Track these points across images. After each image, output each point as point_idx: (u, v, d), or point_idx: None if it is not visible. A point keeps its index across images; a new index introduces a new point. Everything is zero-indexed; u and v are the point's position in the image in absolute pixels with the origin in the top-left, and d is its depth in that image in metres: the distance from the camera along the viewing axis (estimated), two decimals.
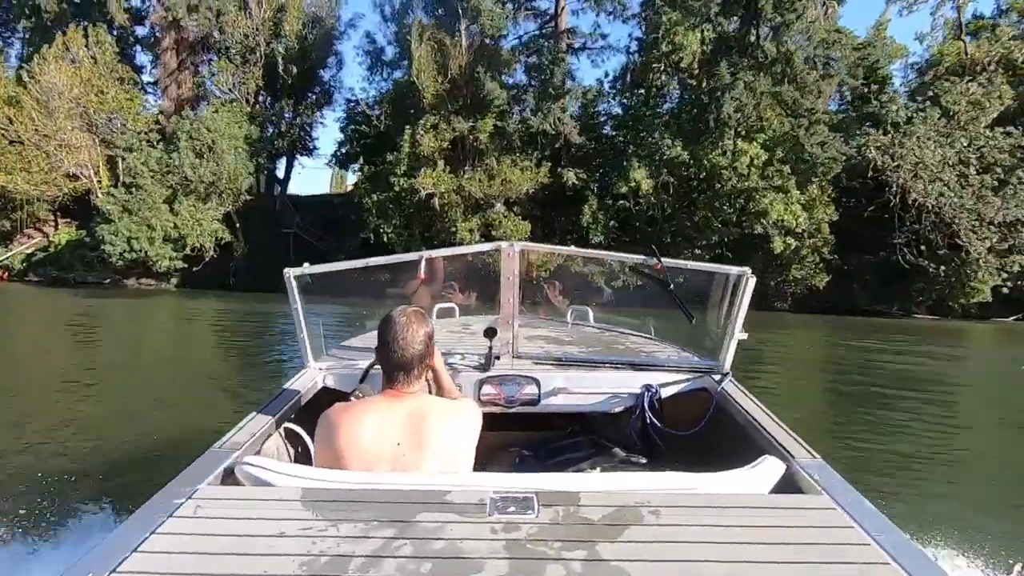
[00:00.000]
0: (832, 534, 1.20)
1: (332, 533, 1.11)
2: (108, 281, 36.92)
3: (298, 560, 1.04)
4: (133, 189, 28.61)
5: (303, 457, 2.00)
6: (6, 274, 38.08)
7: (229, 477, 1.51)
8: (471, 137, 29.27)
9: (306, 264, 2.37)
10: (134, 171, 28.60)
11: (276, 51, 35.02)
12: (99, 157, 34.25)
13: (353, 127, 34.32)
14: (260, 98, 36.88)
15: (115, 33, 38.97)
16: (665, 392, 2.39)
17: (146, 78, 42.61)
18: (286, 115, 36.66)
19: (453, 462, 1.53)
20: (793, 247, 27.44)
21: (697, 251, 29.27)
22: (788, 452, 1.63)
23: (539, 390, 2.44)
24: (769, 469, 1.52)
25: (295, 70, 34.94)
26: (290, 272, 2.29)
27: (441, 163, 28.71)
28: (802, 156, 26.68)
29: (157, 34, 38.84)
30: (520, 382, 2.45)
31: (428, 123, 28.76)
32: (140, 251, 27.84)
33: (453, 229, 29.65)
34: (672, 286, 2.30)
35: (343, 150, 34.35)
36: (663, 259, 2.29)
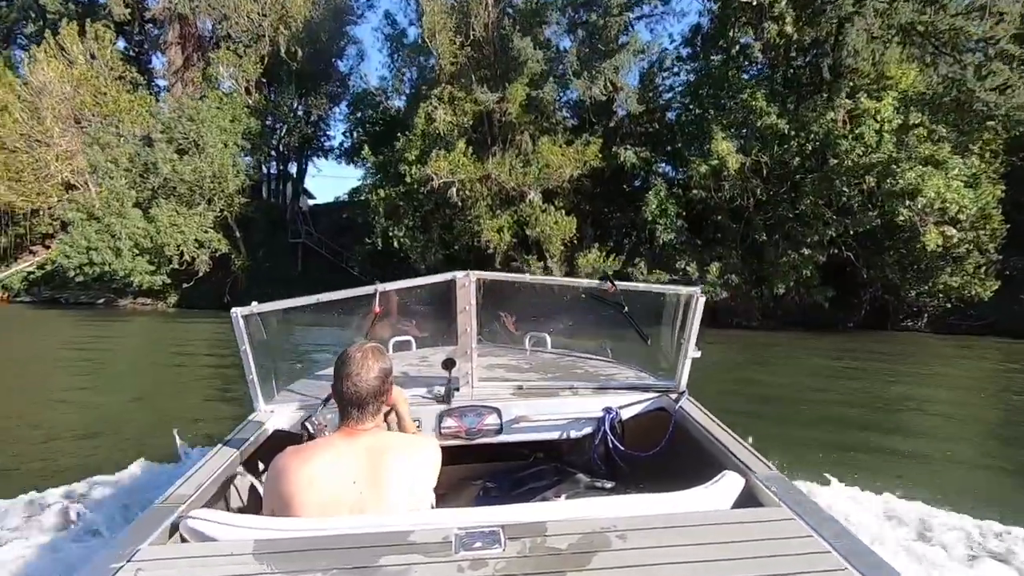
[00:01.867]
0: (793, 544, 1.23)
1: None
2: (102, 301, 33.15)
3: None
4: (101, 192, 24.09)
5: (255, 507, 1.83)
6: (6, 295, 35.06)
7: (174, 534, 1.41)
8: (498, 112, 22.87)
9: (254, 303, 2.19)
10: (101, 169, 24.12)
11: (281, 35, 30.16)
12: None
13: (360, 112, 28.66)
14: (265, 91, 32.18)
15: (123, 32, 35.81)
16: (625, 414, 2.38)
17: (163, 83, 39.37)
18: (295, 108, 31.74)
19: (413, 498, 1.48)
20: (955, 241, 19.08)
21: (805, 251, 21.38)
22: (746, 466, 1.66)
23: (500, 420, 2.39)
24: (729, 485, 1.52)
25: (301, 54, 29.94)
26: (237, 312, 2.15)
27: (462, 144, 22.39)
28: (967, 109, 18.46)
29: (160, 29, 35.19)
30: (481, 412, 2.39)
31: (444, 94, 22.64)
32: (102, 264, 23.10)
33: (477, 229, 23.19)
34: (627, 308, 2.25)
35: (348, 140, 28.68)
36: (616, 283, 2.23)
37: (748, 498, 1.55)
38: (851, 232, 20.89)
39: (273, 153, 35.37)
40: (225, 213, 29.10)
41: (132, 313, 30.49)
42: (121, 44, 35.98)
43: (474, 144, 23.70)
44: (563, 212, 22.88)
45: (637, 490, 1.79)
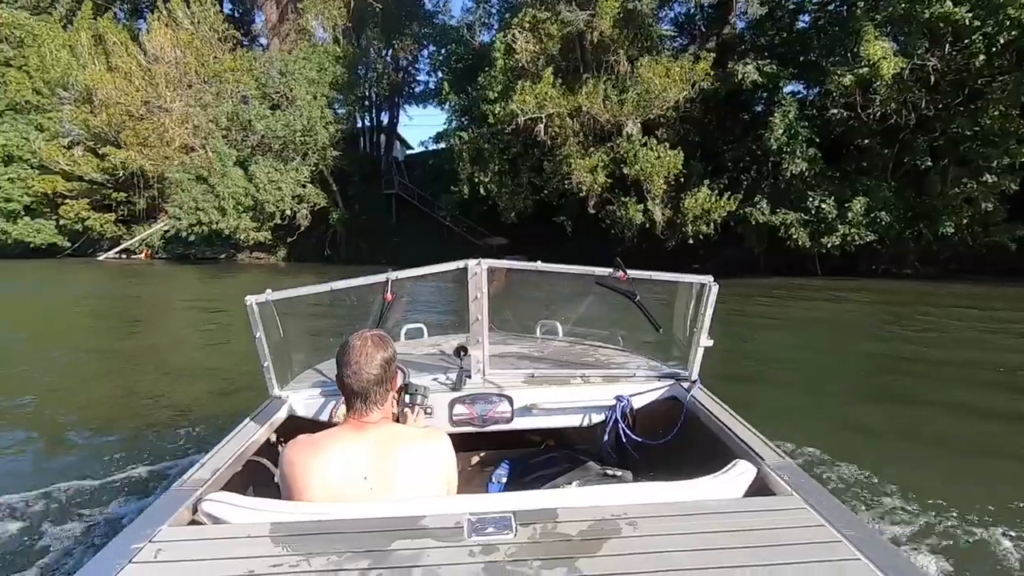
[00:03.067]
0: (805, 534, 1.23)
1: (304, 568, 1.10)
2: (223, 256, 35.70)
3: None
4: (206, 152, 24.99)
5: (270, 491, 1.83)
6: (149, 252, 38.97)
7: (192, 516, 1.44)
8: (589, 32, 19.94)
9: (268, 290, 2.15)
10: (203, 131, 24.92)
11: None
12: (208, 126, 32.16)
13: (444, 51, 26.81)
14: (352, 38, 31.37)
15: None
16: (637, 402, 2.36)
17: (265, 42, 40.27)
18: (382, 53, 30.72)
19: (425, 493, 1.45)
20: None
21: (987, 178, 16.65)
22: (758, 455, 1.64)
23: (512, 407, 2.36)
24: (741, 473, 1.52)
25: None
26: (251, 300, 2.11)
27: (549, 74, 19.95)
28: None
29: None
30: (492, 400, 2.37)
31: (525, 20, 20.12)
32: (209, 223, 24.16)
33: (567, 169, 20.91)
34: (638, 296, 2.22)
35: (435, 83, 27.05)
36: (628, 271, 2.20)
37: (760, 487, 1.53)
38: None
39: (365, 104, 35.03)
40: (320, 167, 29.31)
41: (247, 267, 32.45)
42: (227, 7, 37.03)
43: (563, 74, 21.08)
44: (666, 146, 19.82)
45: (648, 478, 1.88)
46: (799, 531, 1.24)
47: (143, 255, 39.14)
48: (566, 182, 21.17)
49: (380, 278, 2.29)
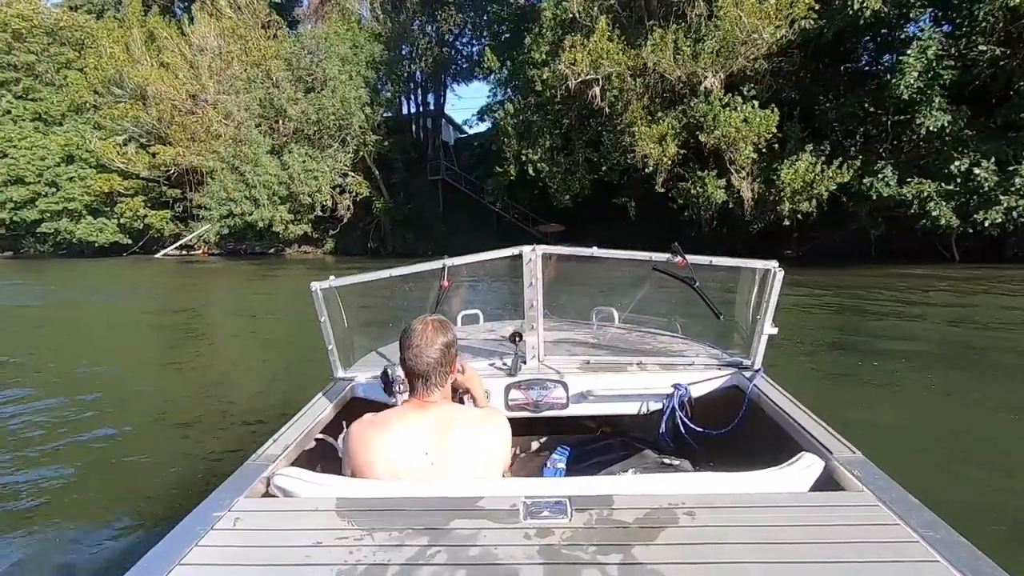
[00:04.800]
0: (877, 532, 1.16)
1: (367, 542, 1.15)
2: (272, 251, 34.88)
3: (335, 569, 1.08)
4: (237, 142, 23.47)
5: (335, 468, 1.84)
6: (205, 248, 39.00)
7: (266, 489, 1.50)
8: None
9: (332, 277, 2.25)
10: (236, 119, 23.39)
11: None
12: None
13: (486, 14, 23.71)
14: (393, 14, 28.96)
15: None
16: (696, 391, 2.30)
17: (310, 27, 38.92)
18: (423, 26, 28.12)
19: (482, 470, 1.49)
20: None
21: None
22: (826, 448, 1.55)
23: (567, 393, 2.35)
24: (807, 466, 1.44)
25: None
26: (316, 286, 2.22)
27: (603, 24, 16.51)
28: None
29: None
30: (547, 386, 2.36)
31: None
32: (242, 215, 22.64)
33: (629, 141, 17.40)
34: (698, 283, 2.17)
35: (477, 53, 23.98)
36: (687, 256, 2.16)
37: (828, 481, 1.44)
38: None
39: (411, 85, 32.71)
40: (361, 153, 27.29)
41: (295, 262, 31.32)
42: None
43: (621, 25, 17.53)
44: (755, 104, 15.87)
45: (708, 469, 1.84)
46: (870, 529, 1.17)
47: (201, 251, 39.32)
48: (629, 156, 17.67)
49: (436, 264, 2.34)
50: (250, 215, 23.06)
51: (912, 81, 13.73)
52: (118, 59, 32.53)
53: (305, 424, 1.91)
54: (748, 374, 2.22)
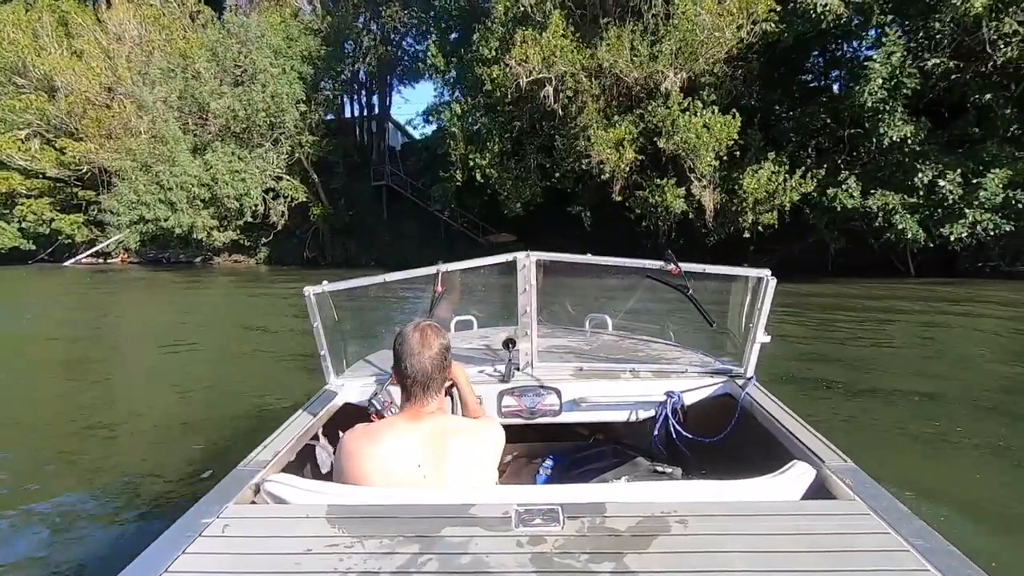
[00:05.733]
0: (868, 540, 1.17)
1: (358, 549, 1.14)
2: (199, 260, 31.98)
3: None
4: (153, 138, 20.95)
5: (326, 474, 1.96)
6: (125, 256, 35.48)
7: (255, 496, 1.49)
8: None
9: (324, 282, 2.25)
10: (148, 111, 20.89)
11: None
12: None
13: (435, 8, 22.16)
14: (334, 7, 27.04)
15: None
16: (688, 399, 2.31)
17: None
18: (366, 22, 26.35)
19: (477, 483, 1.48)
20: None
21: None
22: (818, 457, 1.55)
23: (560, 400, 2.37)
24: (798, 474, 1.46)
25: None
26: (309, 291, 2.22)
27: (557, 18, 15.34)
28: None
29: None
30: (541, 392, 2.37)
31: None
32: (156, 220, 20.14)
33: (584, 145, 16.24)
34: (691, 291, 2.18)
35: (422, 46, 22.29)
36: (681, 264, 2.16)
37: (819, 490, 1.46)
38: None
39: (354, 85, 30.80)
40: (298, 155, 25.17)
41: (224, 272, 28.65)
42: None
43: (576, 23, 16.43)
44: (715, 109, 15.02)
45: (700, 477, 1.84)
46: (861, 537, 1.18)
47: (120, 259, 35.75)
48: (583, 162, 16.50)
49: (431, 270, 2.35)
50: (165, 221, 20.49)
51: (876, 89, 13.13)
52: (20, 45, 29.16)
53: (296, 430, 1.88)
54: (740, 382, 2.22)
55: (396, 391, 1.76)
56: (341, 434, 1.59)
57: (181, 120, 21.37)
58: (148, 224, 20.70)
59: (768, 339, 2.15)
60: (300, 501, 1.37)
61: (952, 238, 12.79)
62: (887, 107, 13.40)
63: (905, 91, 13.27)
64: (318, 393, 2.28)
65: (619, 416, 2.36)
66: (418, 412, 1.47)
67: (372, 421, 1.82)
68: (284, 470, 1.64)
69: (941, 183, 12.79)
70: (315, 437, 1.98)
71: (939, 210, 12.94)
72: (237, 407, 5.09)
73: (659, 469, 2.16)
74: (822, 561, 1.08)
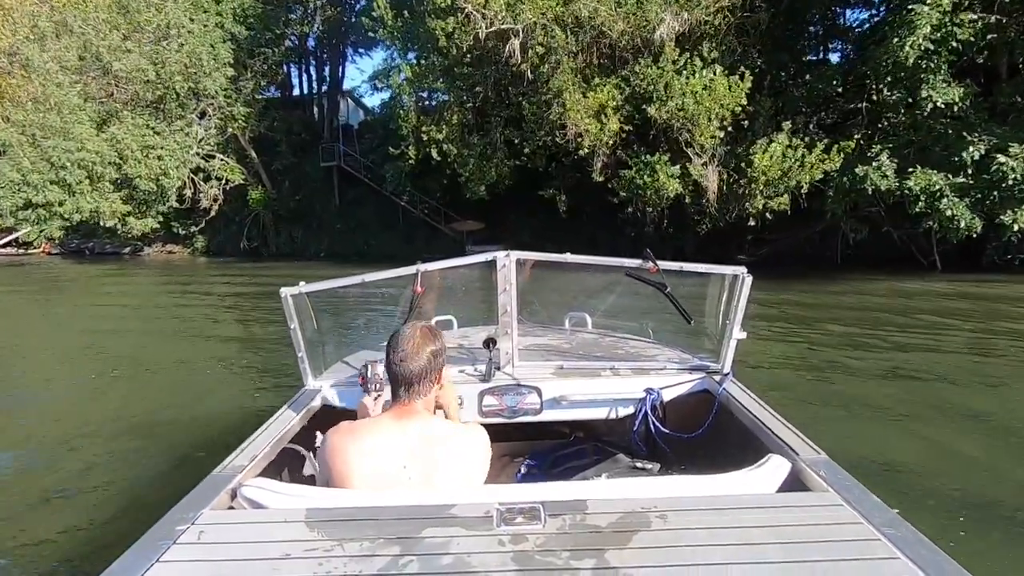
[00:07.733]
0: (841, 531, 1.21)
1: (337, 553, 1.13)
2: (128, 251, 28.45)
3: None
4: (40, 106, 17.40)
5: (305, 478, 1.98)
6: (47, 246, 31.60)
7: (231, 501, 1.49)
8: None
9: (302, 283, 2.24)
10: (37, 72, 17.34)
11: None
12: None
13: None
14: None
15: None
16: (667, 395, 2.37)
17: None
18: None
19: (461, 486, 1.48)
20: None
21: None
22: (793, 450, 1.61)
23: (541, 399, 2.40)
24: (775, 468, 1.51)
25: None
26: (286, 292, 2.23)
27: None
28: None
29: None
30: (522, 391, 2.41)
31: None
32: (48, 205, 16.74)
33: (558, 113, 13.36)
34: (669, 288, 2.23)
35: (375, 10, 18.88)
36: (659, 262, 2.20)
37: (795, 482, 1.51)
38: None
39: (302, 54, 27.32)
40: (231, 130, 21.78)
41: (154, 264, 25.22)
42: None
43: None
44: (717, 69, 12.26)
45: (679, 472, 1.90)
46: (834, 528, 1.21)
47: (41, 249, 31.86)
48: (558, 134, 13.64)
49: (411, 270, 2.36)
50: (60, 206, 17.05)
51: (920, 42, 10.52)
52: None
53: (273, 433, 1.87)
54: (718, 378, 2.26)
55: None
56: (319, 436, 1.61)
57: (81, 85, 17.82)
58: (39, 210, 17.23)
59: (744, 335, 2.18)
60: (278, 505, 1.35)
61: (1016, 228, 10.31)
62: (931, 64, 10.82)
63: (954, 43, 10.69)
64: (296, 395, 2.26)
65: (599, 413, 2.39)
66: (403, 411, 1.45)
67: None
68: (262, 474, 1.63)
69: (1001, 159, 10.27)
70: (293, 440, 1.96)
71: (995, 192, 10.46)
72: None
73: (639, 465, 2.16)
74: (797, 552, 1.10)
